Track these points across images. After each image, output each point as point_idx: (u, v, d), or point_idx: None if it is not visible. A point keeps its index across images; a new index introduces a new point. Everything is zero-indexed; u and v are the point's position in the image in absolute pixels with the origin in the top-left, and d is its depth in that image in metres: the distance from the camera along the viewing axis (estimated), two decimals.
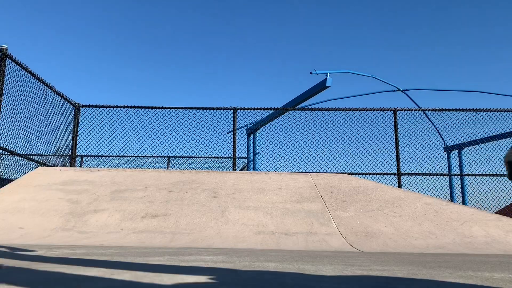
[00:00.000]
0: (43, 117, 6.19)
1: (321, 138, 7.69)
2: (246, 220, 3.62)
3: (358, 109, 7.54)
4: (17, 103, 5.53)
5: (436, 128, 8.13)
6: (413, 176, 7.43)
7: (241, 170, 9.95)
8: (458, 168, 8.93)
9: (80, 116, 7.36)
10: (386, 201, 4.08)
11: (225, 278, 0.85)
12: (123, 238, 3.19)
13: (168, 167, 9.20)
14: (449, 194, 9.39)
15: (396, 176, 7.31)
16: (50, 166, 6.32)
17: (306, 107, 8.39)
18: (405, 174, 7.37)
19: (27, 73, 5.73)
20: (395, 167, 7.35)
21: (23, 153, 5.63)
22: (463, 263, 1.51)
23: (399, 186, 7.21)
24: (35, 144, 5.96)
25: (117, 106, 7.50)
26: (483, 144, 7.95)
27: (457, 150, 9.13)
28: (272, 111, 7.99)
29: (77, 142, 7.23)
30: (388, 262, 1.57)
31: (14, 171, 5.40)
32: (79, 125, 7.29)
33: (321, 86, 8.74)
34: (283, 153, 7.75)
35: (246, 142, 9.78)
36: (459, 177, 9.47)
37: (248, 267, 1.14)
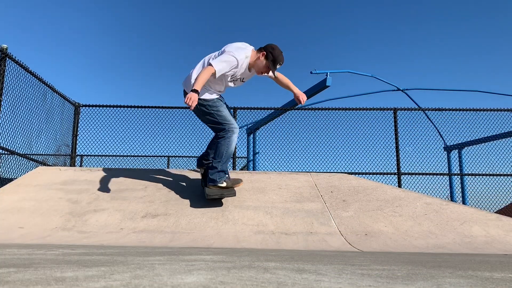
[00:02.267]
0: (43, 117, 6.19)
1: (321, 138, 7.70)
2: (246, 219, 3.62)
3: (358, 109, 7.54)
4: (17, 102, 5.53)
5: (436, 128, 8.13)
6: (413, 176, 7.44)
7: (241, 169, 9.95)
8: (458, 167, 8.93)
9: (80, 116, 7.36)
10: (386, 201, 4.08)
11: (225, 278, 0.85)
12: (123, 237, 3.19)
13: (168, 167, 9.21)
14: (449, 194, 9.40)
15: (396, 176, 7.32)
16: (50, 165, 6.32)
17: (306, 107, 8.38)
18: (405, 174, 7.37)
19: (27, 72, 5.73)
20: (395, 166, 7.36)
21: (23, 152, 5.63)
22: (463, 263, 1.51)
23: (399, 186, 7.22)
24: (35, 144, 5.97)
25: (117, 106, 7.50)
26: (483, 144, 7.96)
27: (457, 150, 9.13)
28: (272, 110, 7.99)
29: (77, 142, 7.23)
30: (388, 261, 1.56)
31: (14, 171, 5.40)
32: (79, 124, 7.29)
33: (321, 85, 8.75)
34: (283, 153, 7.75)
35: (246, 142, 9.78)
36: (459, 176, 9.48)
37: (248, 266, 1.14)
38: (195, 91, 3.42)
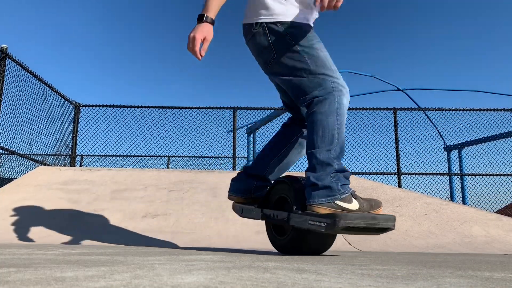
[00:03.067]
0: (43, 117, 6.20)
1: None
2: (246, 220, 3.62)
3: (358, 109, 7.54)
4: (17, 102, 5.53)
5: (436, 128, 8.14)
6: (413, 175, 7.44)
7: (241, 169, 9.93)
8: (458, 167, 8.93)
9: (80, 116, 7.36)
10: (386, 201, 4.08)
11: (225, 278, 0.85)
12: (123, 238, 3.19)
13: (168, 167, 9.22)
14: (449, 194, 9.40)
15: (396, 175, 7.32)
16: (50, 165, 6.32)
17: None
18: (405, 173, 7.38)
19: (27, 72, 5.73)
20: (395, 166, 7.36)
21: (23, 152, 5.63)
22: (463, 263, 1.51)
23: (399, 185, 7.22)
24: (35, 144, 5.97)
25: (117, 106, 7.50)
26: (483, 144, 7.96)
27: (457, 150, 9.14)
28: (272, 110, 7.99)
29: (77, 142, 7.23)
30: (388, 261, 1.56)
31: (14, 171, 5.40)
32: (79, 124, 7.29)
33: None
34: None
35: (246, 142, 9.79)
36: (459, 176, 9.48)
37: (248, 266, 1.14)
38: (203, 18, 1.80)
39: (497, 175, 7.55)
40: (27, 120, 5.76)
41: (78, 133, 7.23)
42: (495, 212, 7.15)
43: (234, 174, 4.89)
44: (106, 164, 8.32)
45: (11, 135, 5.35)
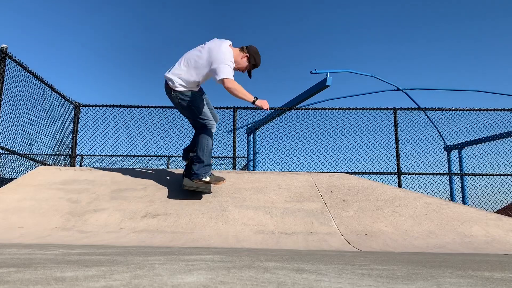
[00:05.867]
0: (43, 117, 6.19)
1: (321, 138, 7.70)
2: (246, 219, 3.62)
3: (358, 109, 7.54)
4: (17, 102, 5.53)
5: (436, 128, 8.14)
6: (413, 175, 7.44)
7: (241, 169, 9.95)
8: (458, 167, 8.93)
9: (80, 116, 7.36)
10: (386, 201, 4.08)
11: (225, 278, 0.85)
12: (123, 237, 3.19)
13: (168, 167, 9.21)
14: (449, 194, 9.40)
15: (396, 175, 7.32)
16: (50, 165, 6.32)
17: (306, 107, 8.39)
18: (405, 173, 7.37)
19: (27, 72, 5.72)
20: (395, 166, 7.36)
21: (23, 152, 5.63)
22: (463, 263, 1.51)
23: (399, 185, 7.22)
24: (35, 144, 5.97)
25: (117, 106, 7.50)
26: (483, 144, 7.96)
27: (457, 150, 9.14)
28: (272, 110, 7.99)
29: (77, 142, 7.23)
30: (388, 261, 1.56)
31: (14, 171, 5.40)
32: (79, 124, 7.29)
33: (321, 85, 8.74)
34: (283, 153, 7.75)
35: (246, 142, 9.78)
36: (459, 176, 9.48)
37: (248, 266, 1.14)
38: (254, 98, 3.65)
39: (497, 175, 7.55)
40: (27, 120, 5.76)
41: (78, 133, 7.22)
42: (495, 212, 7.15)
43: (234, 174, 4.88)
44: (106, 164, 8.31)
45: (11, 135, 5.35)
